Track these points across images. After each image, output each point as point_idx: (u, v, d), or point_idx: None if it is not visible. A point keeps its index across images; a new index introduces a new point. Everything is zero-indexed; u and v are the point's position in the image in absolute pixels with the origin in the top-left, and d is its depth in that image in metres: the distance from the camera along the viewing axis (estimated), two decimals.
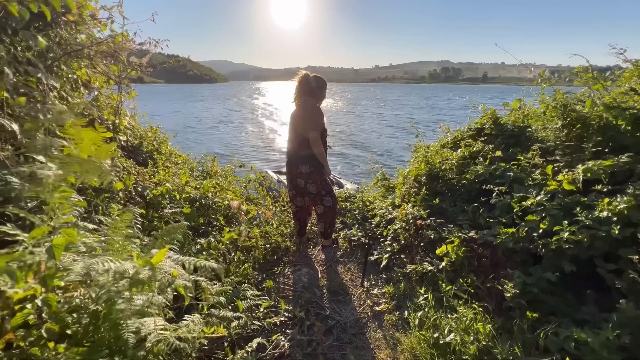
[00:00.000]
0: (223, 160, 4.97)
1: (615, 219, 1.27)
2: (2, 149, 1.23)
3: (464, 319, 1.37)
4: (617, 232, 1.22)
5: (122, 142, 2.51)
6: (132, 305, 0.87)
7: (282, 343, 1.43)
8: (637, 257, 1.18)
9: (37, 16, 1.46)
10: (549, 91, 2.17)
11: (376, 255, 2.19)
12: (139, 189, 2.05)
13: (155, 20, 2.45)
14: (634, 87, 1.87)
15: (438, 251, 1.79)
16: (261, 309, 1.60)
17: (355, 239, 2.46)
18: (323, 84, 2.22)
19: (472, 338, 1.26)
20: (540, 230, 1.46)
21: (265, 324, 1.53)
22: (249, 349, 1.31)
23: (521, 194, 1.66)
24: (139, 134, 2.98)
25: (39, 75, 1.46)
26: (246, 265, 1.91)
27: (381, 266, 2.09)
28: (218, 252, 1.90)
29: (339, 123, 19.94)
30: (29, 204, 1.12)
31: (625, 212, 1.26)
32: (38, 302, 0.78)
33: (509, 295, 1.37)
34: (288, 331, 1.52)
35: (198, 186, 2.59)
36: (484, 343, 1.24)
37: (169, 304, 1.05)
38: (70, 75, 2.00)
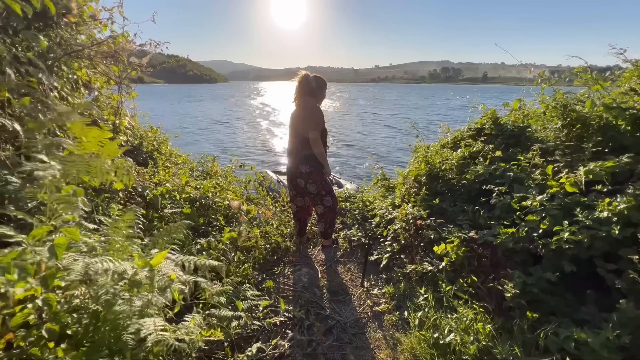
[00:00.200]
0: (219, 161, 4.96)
1: (615, 219, 1.27)
2: (3, 149, 1.24)
3: (464, 319, 1.37)
4: (617, 232, 1.22)
5: (123, 142, 2.51)
6: (132, 305, 0.88)
7: (282, 343, 1.43)
8: (637, 257, 1.18)
9: (38, 17, 1.47)
10: (549, 91, 2.17)
11: (376, 255, 2.19)
12: (139, 189, 2.05)
13: (155, 21, 2.46)
14: (634, 87, 1.87)
15: (437, 249, 1.79)
16: (261, 309, 1.60)
17: (355, 239, 2.46)
18: (323, 84, 2.22)
19: (472, 338, 1.26)
20: (540, 230, 1.46)
21: (265, 324, 1.53)
22: (249, 349, 1.31)
23: (521, 194, 1.66)
24: (139, 134, 2.99)
25: (40, 75, 1.46)
26: (246, 265, 1.91)
27: (381, 266, 2.09)
28: (218, 252, 1.90)
29: (335, 124, 19.95)
30: (29, 204, 1.13)
31: (626, 212, 1.26)
32: (39, 302, 0.78)
33: (509, 295, 1.37)
34: (288, 331, 1.52)
35: (198, 186, 2.59)
36: (484, 343, 1.24)
37: (169, 304, 1.05)
38: (70, 76, 2.01)
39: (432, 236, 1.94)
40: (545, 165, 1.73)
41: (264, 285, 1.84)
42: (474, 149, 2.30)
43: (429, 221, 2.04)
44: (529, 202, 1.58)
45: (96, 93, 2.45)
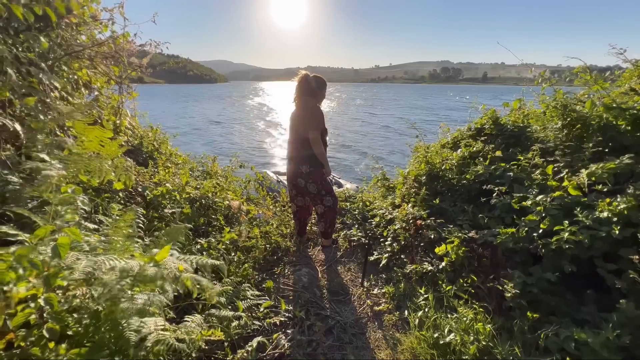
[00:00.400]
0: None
1: (615, 219, 1.27)
2: (4, 149, 1.24)
3: (464, 319, 1.37)
4: (617, 232, 1.22)
5: (123, 142, 2.51)
6: (134, 304, 0.88)
7: (282, 343, 1.43)
8: (637, 257, 1.18)
9: (38, 18, 1.47)
10: (549, 91, 2.17)
11: (376, 255, 2.19)
12: (139, 189, 2.05)
13: (155, 21, 2.46)
14: (634, 87, 1.87)
15: (437, 250, 1.79)
16: (261, 309, 1.60)
17: (355, 239, 2.46)
18: (323, 84, 2.22)
19: (472, 338, 1.26)
20: (540, 230, 1.46)
21: (265, 324, 1.53)
22: (249, 349, 1.31)
23: (521, 194, 1.66)
24: (139, 134, 2.99)
25: (40, 75, 1.47)
26: (246, 265, 1.92)
27: (381, 266, 2.09)
28: (218, 252, 1.90)
29: (332, 124, 19.91)
30: (29, 204, 1.13)
31: (626, 213, 1.26)
32: (41, 301, 0.78)
33: (509, 295, 1.37)
34: (288, 331, 1.52)
35: (198, 186, 2.59)
36: (484, 343, 1.24)
37: (169, 303, 1.06)
38: (71, 76, 2.01)
39: (432, 236, 1.94)
40: (545, 165, 1.73)
41: (264, 285, 1.84)
42: (474, 149, 2.30)
43: (429, 221, 2.04)
44: (529, 202, 1.58)
45: (96, 93, 2.45)
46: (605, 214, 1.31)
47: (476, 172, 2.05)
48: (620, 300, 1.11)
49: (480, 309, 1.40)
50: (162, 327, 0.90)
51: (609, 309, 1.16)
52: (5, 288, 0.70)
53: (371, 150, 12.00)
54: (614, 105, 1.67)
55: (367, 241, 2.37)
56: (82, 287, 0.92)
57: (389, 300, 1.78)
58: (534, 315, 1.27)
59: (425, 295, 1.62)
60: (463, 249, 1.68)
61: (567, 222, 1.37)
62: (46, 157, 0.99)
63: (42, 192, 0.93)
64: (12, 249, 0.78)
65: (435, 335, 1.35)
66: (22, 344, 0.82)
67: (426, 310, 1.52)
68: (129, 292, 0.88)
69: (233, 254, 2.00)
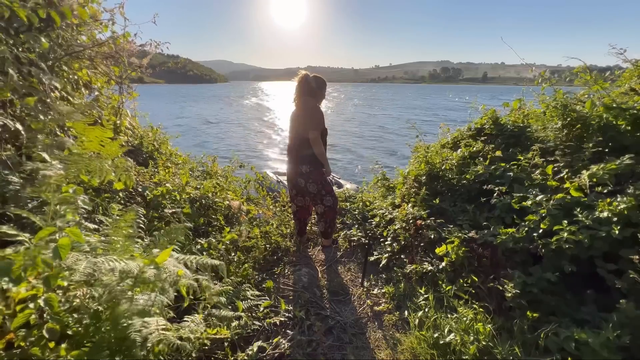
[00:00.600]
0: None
1: (615, 219, 1.27)
2: (4, 149, 1.24)
3: (464, 319, 1.37)
4: (617, 232, 1.22)
5: (123, 143, 2.51)
6: (135, 304, 0.88)
7: (282, 343, 1.43)
8: (637, 257, 1.18)
9: (40, 18, 1.47)
10: (549, 91, 2.17)
11: (376, 255, 2.19)
12: (139, 189, 2.06)
13: (156, 22, 2.46)
14: (634, 87, 1.87)
15: (438, 250, 1.79)
16: (261, 309, 1.60)
17: (355, 239, 2.46)
18: (323, 84, 2.22)
19: (472, 338, 1.26)
20: (540, 230, 1.46)
21: (265, 324, 1.53)
22: (249, 350, 1.31)
23: (521, 194, 1.66)
24: (139, 134, 2.99)
25: (40, 76, 1.47)
26: (246, 265, 1.92)
27: (381, 266, 2.09)
28: (218, 252, 1.90)
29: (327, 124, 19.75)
30: (29, 204, 1.13)
31: (626, 212, 1.26)
32: (41, 302, 0.78)
33: (509, 295, 1.37)
34: (288, 331, 1.52)
35: (198, 186, 2.59)
36: (484, 343, 1.24)
37: (170, 303, 1.06)
38: (71, 76, 2.01)
39: (432, 236, 1.94)
40: (545, 165, 1.73)
41: (264, 285, 1.84)
42: (474, 149, 2.30)
43: (429, 221, 2.04)
44: (529, 202, 1.58)
45: (96, 93, 2.45)
46: (605, 214, 1.31)
47: (476, 172, 2.05)
48: (620, 300, 1.11)
49: (480, 309, 1.40)
50: (163, 326, 0.90)
51: (609, 309, 1.16)
52: (5, 287, 0.70)
53: (365, 151, 11.96)
54: (614, 105, 1.67)
55: (367, 241, 2.37)
56: (83, 288, 0.92)
57: (389, 300, 1.78)
58: (534, 315, 1.27)
59: (425, 295, 1.62)
60: (463, 249, 1.68)
61: (567, 222, 1.37)
62: (47, 157, 0.99)
63: (42, 193, 0.93)
64: (8, 250, 0.78)
65: (435, 335, 1.35)
66: (22, 344, 0.82)
67: (426, 310, 1.52)
68: (130, 292, 0.88)
69: (233, 254, 2.00)
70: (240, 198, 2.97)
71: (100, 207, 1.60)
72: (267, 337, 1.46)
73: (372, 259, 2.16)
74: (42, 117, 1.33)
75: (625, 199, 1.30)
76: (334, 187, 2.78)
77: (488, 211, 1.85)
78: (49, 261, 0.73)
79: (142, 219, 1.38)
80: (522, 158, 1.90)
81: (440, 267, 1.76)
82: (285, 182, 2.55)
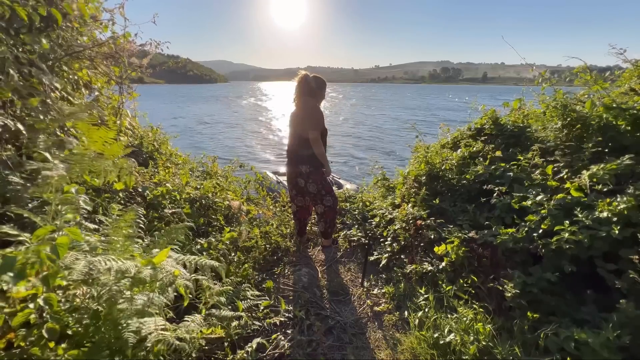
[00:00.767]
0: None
1: (615, 219, 1.27)
2: (5, 149, 1.24)
3: (464, 319, 1.37)
4: (617, 232, 1.22)
5: (127, 143, 2.51)
6: (133, 304, 0.88)
7: (282, 343, 1.43)
8: (637, 257, 1.18)
9: (40, 18, 1.47)
10: (549, 91, 2.17)
11: (376, 255, 2.19)
12: (139, 189, 2.06)
13: (156, 22, 2.46)
14: (634, 87, 1.87)
15: (437, 249, 1.79)
16: (261, 309, 1.60)
17: (355, 239, 2.46)
18: (322, 84, 2.23)
19: (472, 338, 1.26)
20: (540, 230, 1.46)
21: (265, 324, 1.53)
22: (249, 349, 1.31)
23: (521, 194, 1.66)
24: (139, 134, 2.99)
25: (40, 76, 1.47)
26: (246, 265, 1.92)
27: (381, 266, 2.09)
28: (218, 252, 1.90)
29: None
30: (30, 204, 1.13)
31: (625, 212, 1.26)
32: (40, 301, 0.78)
33: (509, 295, 1.37)
34: (288, 331, 1.52)
35: (198, 186, 2.59)
36: (484, 343, 1.24)
37: (169, 303, 1.06)
38: (71, 76, 2.01)
39: (432, 236, 1.94)
40: (545, 165, 1.73)
41: (264, 285, 1.84)
42: (474, 149, 2.30)
43: (429, 221, 2.04)
44: (529, 202, 1.57)
45: (97, 93, 2.46)
46: (605, 214, 1.30)
47: (476, 172, 2.05)
48: (620, 300, 1.11)
49: (480, 309, 1.40)
50: (162, 326, 0.90)
51: (609, 309, 1.16)
52: (8, 284, 0.70)
53: (363, 152, 11.86)
54: (614, 105, 1.67)
55: (367, 241, 2.37)
56: (82, 287, 0.92)
57: (389, 300, 1.78)
58: (534, 315, 1.27)
59: (425, 296, 1.62)
60: (463, 249, 1.68)
61: (567, 222, 1.37)
62: (49, 157, 0.99)
63: (42, 193, 0.93)
64: (8, 250, 0.78)
65: (435, 335, 1.35)
66: (22, 343, 0.82)
67: (426, 310, 1.52)
68: (128, 292, 0.88)
69: (233, 254, 2.00)
70: (240, 198, 2.97)
71: (101, 207, 1.60)
72: (267, 337, 1.46)
73: (372, 259, 2.16)
74: (41, 117, 1.33)
75: (625, 199, 1.30)
76: (334, 187, 2.78)
77: (488, 211, 1.85)
78: (52, 256, 0.73)
79: (142, 219, 1.38)
80: (522, 158, 1.90)
81: (440, 267, 1.76)
82: (285, 182, 2.54)
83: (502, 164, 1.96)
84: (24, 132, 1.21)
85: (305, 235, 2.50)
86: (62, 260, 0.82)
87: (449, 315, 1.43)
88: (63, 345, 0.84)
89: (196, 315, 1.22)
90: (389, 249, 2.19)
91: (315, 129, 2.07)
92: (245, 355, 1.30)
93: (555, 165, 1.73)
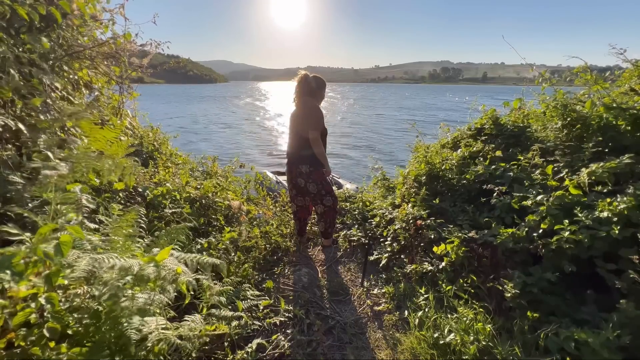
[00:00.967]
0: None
1: (615, 219, 1.27)
2: (5, 148, 1.24)
3: (464, 319, 1.37)
4: (617, 232, 1.22)
5: (130, 144, 2.51)
6: (135, 303, 0.88)
7: (282, 343, 1.43)
8: (637, 257, 1.18)
9: (40, 17, 1.47)
10: (549, 91, 2.17)
11: (376, 255, 2.19)
12: (140, 189, 2.06)
13: (156, 22, 2.47)
14: (634, 87, 1.87)
15: (437, 249, 1.79)
16: (261, 309, 1.60)
17: (355, 239, 2.46)
18: (322, 84, 2.23)
19: (472, 338, 1.26)
20: (540, 230, 1.46)
21: (265, 324, 1.53)
22: (249, 349, 1.31)
23: (521, 194, 1.66)
24: (139, 134, 2.99)
25: (40, 76, 1.47)
26: (246, 265, 1.92)
27: (381, 266, 2.09)
28: (218, 252, 1.91)
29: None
30: (30, 204, 1.13)
31: (626, 212, 1.26)
32: (42, 300, 0.78)
33: (509, 295, 1.37)
34: (288, 331, 1.52)
35: (198, 186, 2.59)
36: (484, 343, 1.24)
37: (170, 302, 1.06)
38: (71, 76, 2.01)
39: (432, 236, 1.94)
40: (545, 165, 1.73)
41: (264, 285, 1.84)
42: (474, 148, 2.30)
43: (429, 221, 2.04)
44: (529, 202, 1.58)
45: (97, 93, 2.46)
46: (605, 214, 1.31)
47: (476, 172, 2.05)
48: (620, 300, 1.11)
49: (480, 309, 1.40)
50: (163, 325, 0.90)
51: (609, 309, 1.16)
52: (6, 282, 0.70)
53: (361, 152, 11.78)
54: (614, 105, 1.68)
55: (367, 241, 2.37)
56: (83, 287, 0.92)
57: (389, 300, 1.78)
58: (534, 315, 1.27)
59: (425, 295, 1.62)
60: (463, 249, 1.68)
61: (567, 221, 1.37)
62: (51, 156, 0.99)
63: (43, 192, 0.93)
64: (10, 248, 0.78)
65: (435, 335, 1.35)
66: (23, 343, 0.82)
67: (426, 310, 1.52)
68: (130, 291, 0.88)
69: (233, 254, 2.00)
70: (240, 198, 2.97)
71: (101, 207, 1.60)
72: (267, 337, 1.46)
73: (372, 258, 2.16)
74: (42, 116, 1.33)
75: (625, 199, 1.30)
76: (334, 187, 2.78)
77: (488, 211, 1.85)
78: (50, 254, 0.73)
79: (143, 219, 1.38)
80: (522, 158, 1.90)
81: (440, 267, 1.76)
82: (285, 182, 2.55)
83: (502, 164, 1.96)
84: (25, 131, 1.21)
85: (305, 235, 2.50)
86: (65, 258, 0.82)
87: (449, 315, 1.43)
88: (64, 345, 0.84)
89: (196, 314, 1.22)
90: (389, 249, 2.19)
91: (315, 128, 2.07)
92: (245, 355, 1.30)
93: (555, 165, 1.73)
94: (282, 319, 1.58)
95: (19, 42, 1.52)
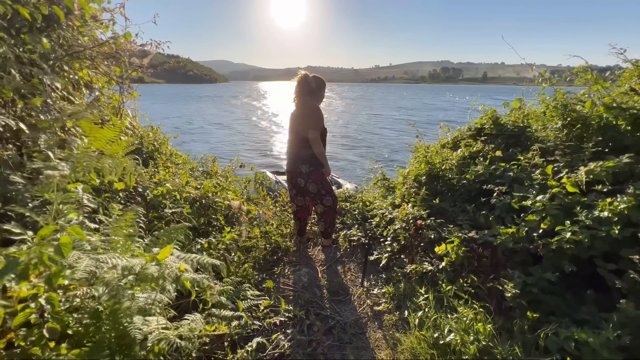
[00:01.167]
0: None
1: (615, 219, 1.27)
2: (5, 148, 1.24)
3: (464, 319, 1.37)
4: (617, 232, 1.22)
5: (130, 143, 2.51)
6: (136, 302, 0.88)
7: (282, 343, 1.43)
8: (637, 257, 1.18)
9: (42, 17, 1.48)
10: (549, 91, 2.17)
11: (376, 255, 2.19)
12: (140, 189, 2.06)
13: (156, 22, 2.47)
14: (634, 87, 1.87)
15: (437, 249, 1.79)
16: (261, 309, 1.60)
17: (355, 239, 2.46)
18: (322, 84, 2.23)
19: (472, 338, 1.26)
20: (540, 230, 1.46)
21: (265, 324, 1.53)
22: (249, 349, 1.31)
23: (521, 194, 1.66)
24: (139, 134, 3.00)
25: (41, 76, 1.47)
26: (246, 265, 1.92)
27: (381, 266, 2.09)
28: (218, 252, 1.91)
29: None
30: (30, 204, 1.13)
31: (626, 212, 1.26)
32: (42, 300, 0.78)
33: (509, 295, 1.37)
34: (288, 331, 1.52)
35: (198, 186, 2.59)
36: (484, 343, 1.24)
37: (171, 302, 1.06)
38: (72, 76, 2.01)
39: (432, 236, 1.94)
40: (545, 165, 1.73)
41: (264, 285, 1.84)
42: (474, 148, 2.30)
43: (429, 221, 2.04)
44: (529, 202, 1.58)
45: (97, 93, 2.46)
46: (605, 214, 1.30)
47: (476, 172, 2.05)
48: (620, 300, 1.11)
49: (480, 309, 1.40)
50: (163, 325, 0.90)
51: (609, 309, 1.16)
52: (9, 284, 0.70)
53: (360, 152, 11.74)
54: (614, 105, 1.68)
55: (367, 241, 2.37)
56: (83, 287, 0.92)
57: (389, 300, 1.78)
58: (534, 315, 1.27)
59: (425, 295, 1.62)
60: (463, 248, 1.68)
61: (567, 221, 1.37)
62: (52, 156, 0.99)
63: (44, 192, 0.93)
64: (12, 248, 0.78)
65: (435, 335, 1.35)
66: (23, 343, 0.82)
67: (426, 310, 1.52)
68: (130, 290, 0.88)
69: (233, 254, 2.00)
70: (240, 198, 2.97)
71: (101, 207, 1.60)
72: (267, 337, 1.46)
73: (372, 258, 2.16)
74: (42, 116, 1.34)
75: (625, 198, 1.30)
76: (334, 187, 2.79)
77: (488, 211, 1.85)
78: (55, 258, 0.73)
79: (142, 218, 1.38)
80: (522, 158, 1.90)
81: (440, 267, 1.76)
82: (285, 182, 2.55)
83: (502, 164, 1.96)
84: (26, 131, 1.21)
85: (305, 235, 2.50)
86: (66, 259, 0.82)
87: (449, 315, 1.43)
88: (64, 345, 0.84)
89: (196, 314, 1.22)
90: (389, 249, 2.19)
91: (315, 128, 2.07)
92: (245, 355, 1.30)
93: (555, 165, 1.73)
94: (282, 319, 1.59)
95: (20, 42, 1.53)
